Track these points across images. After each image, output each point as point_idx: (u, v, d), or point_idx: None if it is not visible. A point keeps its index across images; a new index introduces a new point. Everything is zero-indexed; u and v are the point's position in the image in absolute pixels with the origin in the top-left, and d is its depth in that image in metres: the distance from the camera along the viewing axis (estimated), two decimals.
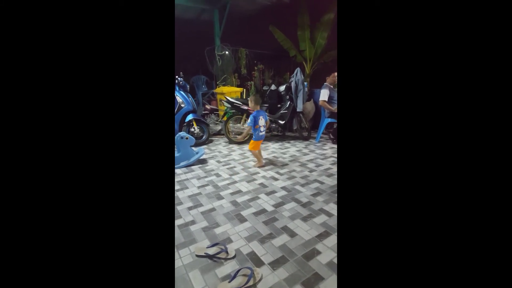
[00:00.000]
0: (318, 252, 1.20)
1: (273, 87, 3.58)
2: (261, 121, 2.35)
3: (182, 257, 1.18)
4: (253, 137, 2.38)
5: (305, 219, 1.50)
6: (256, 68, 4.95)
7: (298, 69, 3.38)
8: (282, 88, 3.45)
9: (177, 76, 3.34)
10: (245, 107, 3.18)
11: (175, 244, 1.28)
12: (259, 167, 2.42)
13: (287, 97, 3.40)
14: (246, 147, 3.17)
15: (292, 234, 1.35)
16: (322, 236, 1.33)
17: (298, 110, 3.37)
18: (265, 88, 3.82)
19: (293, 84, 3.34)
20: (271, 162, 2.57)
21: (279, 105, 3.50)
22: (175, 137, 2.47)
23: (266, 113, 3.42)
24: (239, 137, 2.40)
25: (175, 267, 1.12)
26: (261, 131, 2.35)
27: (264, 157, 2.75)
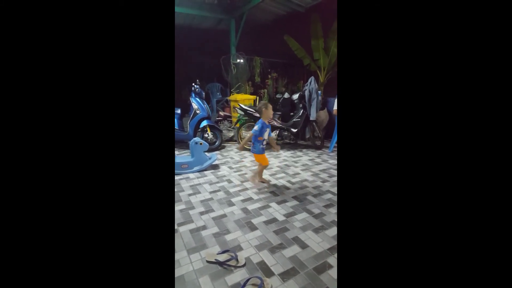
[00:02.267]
0: (330, 266, 1.17)
1: (286, 95, 3.61)
2: (266, 134, 2.08)
3: (193, 262, 1.20)
4: (255, 149, 2.08)
5: (316, 230, 1.47)
6: (269, 76, 5.01)
7: (312, 77, 3.39)
8: (295, 96, 3.46)
9: (193, 84, 3.47)
10: (258, 115, 3.22)
11: (187, 248, 1.30)
12: (256, 184, 2.13)
13: (300, 105, 3.40)
14: None
15: (303, 246, 1.33)
16: (334, 249, 1.29)
17: (311, 118, 3.36)
18: (278, 96, 3.85)
19: (306, 93, 3.35)
20: (282, 171, 2.56)
21: (291, 113, 3.51)
22: (190, 143, 2.55)
23: (279, 121, 3.44)
24: (239, 145, 2.25)
25: (186, 272, 1.14)
26: (263, 144, 2.09)
27: (276, 165, 2.75)
